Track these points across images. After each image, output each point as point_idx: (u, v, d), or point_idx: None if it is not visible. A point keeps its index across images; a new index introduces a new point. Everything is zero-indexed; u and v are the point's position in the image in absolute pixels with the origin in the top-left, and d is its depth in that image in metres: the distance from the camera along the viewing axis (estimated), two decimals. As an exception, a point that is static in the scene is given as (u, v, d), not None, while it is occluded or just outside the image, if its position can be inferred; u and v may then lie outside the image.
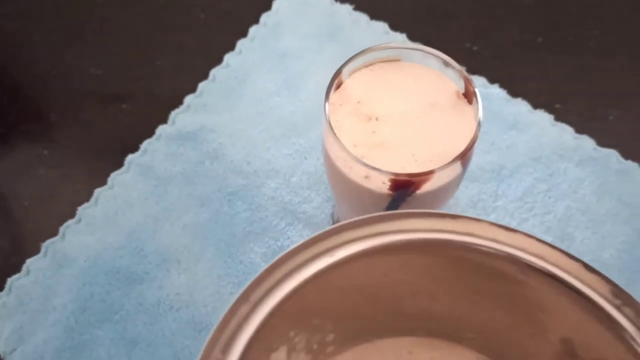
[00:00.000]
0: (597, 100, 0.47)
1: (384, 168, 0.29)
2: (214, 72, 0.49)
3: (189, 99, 0.48)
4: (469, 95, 0.31)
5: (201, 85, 0.49)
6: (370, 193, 0.30)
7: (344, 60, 0.31)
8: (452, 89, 0.32)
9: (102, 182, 0.45)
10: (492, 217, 0.43)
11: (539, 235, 0.43)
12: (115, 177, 0.45)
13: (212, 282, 0.41)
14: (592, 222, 0.42)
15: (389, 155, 0.30)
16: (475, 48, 0.50)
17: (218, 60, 0.50)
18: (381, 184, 0.29)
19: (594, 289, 0.24)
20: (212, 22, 0.53)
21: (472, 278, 0.27)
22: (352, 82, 0.32)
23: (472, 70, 0.48)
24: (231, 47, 0.50)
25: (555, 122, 0.46)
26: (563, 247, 0.42)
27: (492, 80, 0.48)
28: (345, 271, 0.25)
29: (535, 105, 0.47)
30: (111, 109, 0.49)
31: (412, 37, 0.50)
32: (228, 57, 0.50)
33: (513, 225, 0.42)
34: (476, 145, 0.30)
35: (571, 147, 0.45)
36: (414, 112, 0.31)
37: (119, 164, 0.46)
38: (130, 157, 0.46)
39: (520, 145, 0.45)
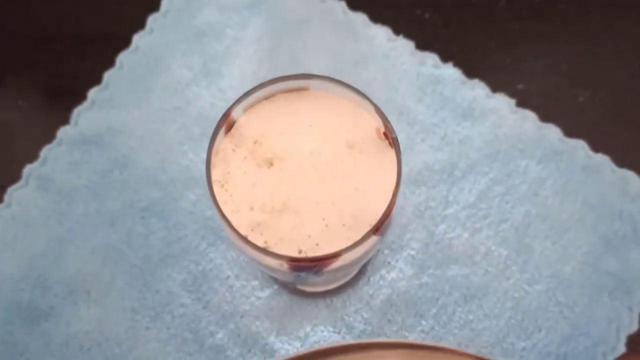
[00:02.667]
0: (566, 78, 0.41)
1: (284, 240, 0.23)
2: (121, 57, 0.42)
3: (93, 93, 0.41)
4: (390, 137, 0.25)
5: (107, 75, 0.41)
6: (272, 267, 0.24)
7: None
8: (372, 125, 0.26)
9: (-2, 199, 0.39)
10: (441, 228, 0.37)
11: (493, 249, 0.38)
12: (12, 192, 0.39)
13: (125, 315, 0.37)
14: (553, 230, 0.37)
15: (293, 221, 0.24)
16: (427, 16, 0.43)
17: (126, 43, 0.42)
18: (279, 265, 0.23)
19: None
20: (118, -9, 0.44)
21: None
22: (248, 119, 0.26)
23: (423, 44, 0.41)
24: (141, 24, 0.43)
25: (516, 109, 0.39)
26: (520, 262, 0.38)
27: (445, 58, 0.41)
28: None
29: (494, 87, 0.40)
30: (4, 106, 0.42)
31: (353, 5, 0.42)
32: (137, 38, 0.42)
33: (464, 237, 0.37)
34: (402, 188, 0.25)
35: (533, 139, 0.39)
36: (326, 154, 0.25)
37: (17, 177, 0.39)
38: (28, 168, 0.40)
39: (475, 139, 0.39)
